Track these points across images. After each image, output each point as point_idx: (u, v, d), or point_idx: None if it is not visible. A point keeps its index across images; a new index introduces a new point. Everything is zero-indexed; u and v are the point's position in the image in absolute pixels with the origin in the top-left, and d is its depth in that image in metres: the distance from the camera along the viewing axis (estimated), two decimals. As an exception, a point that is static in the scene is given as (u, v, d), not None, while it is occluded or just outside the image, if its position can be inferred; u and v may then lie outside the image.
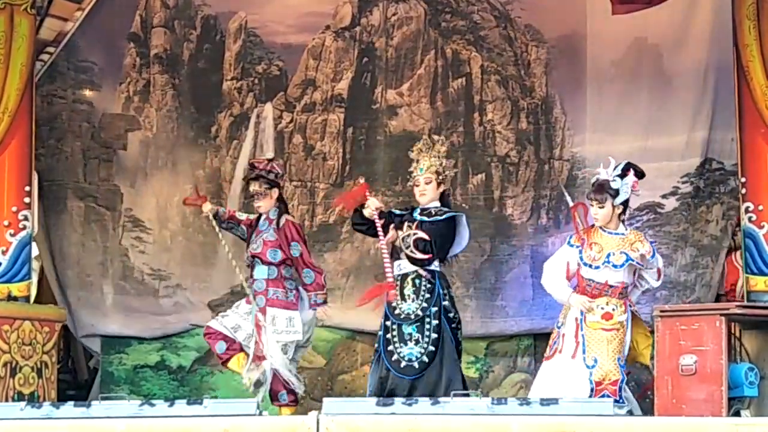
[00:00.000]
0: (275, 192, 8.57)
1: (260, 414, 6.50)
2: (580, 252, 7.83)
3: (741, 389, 7.34)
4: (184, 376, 10.02)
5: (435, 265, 8.08)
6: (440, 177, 8.23)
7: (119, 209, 10.32)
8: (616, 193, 7.82)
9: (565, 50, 9.96)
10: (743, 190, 8.28)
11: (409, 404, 6.48)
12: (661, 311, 7.46)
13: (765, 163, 8.20)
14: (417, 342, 7.96)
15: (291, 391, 8.43)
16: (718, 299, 9.29)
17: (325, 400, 6.59)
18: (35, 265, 9.55)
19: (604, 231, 7.86)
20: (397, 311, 8.05)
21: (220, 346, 8.41)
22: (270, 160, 8.69)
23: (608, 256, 7.74)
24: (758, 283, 8.15)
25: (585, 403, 6.64)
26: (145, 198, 10.35)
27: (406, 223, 8.16)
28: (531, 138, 10.09)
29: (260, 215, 8.57)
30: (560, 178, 9.94)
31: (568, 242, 7.96)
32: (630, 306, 7.79)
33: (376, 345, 8.25)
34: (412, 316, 7.98)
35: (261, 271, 8.42)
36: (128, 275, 10.27)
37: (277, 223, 8.47)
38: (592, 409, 6.38)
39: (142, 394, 9.97)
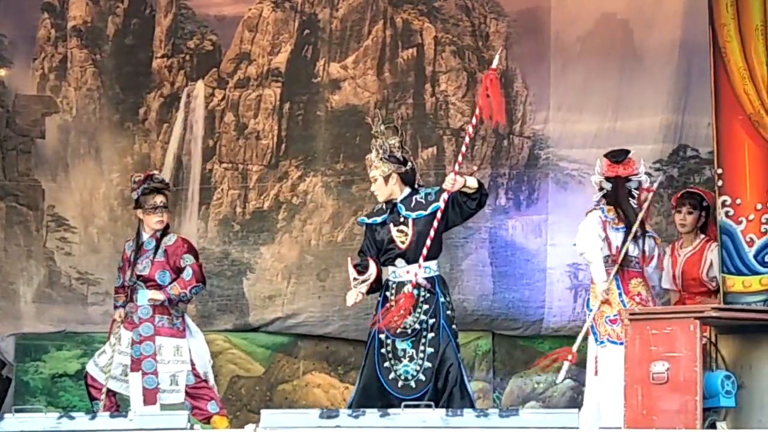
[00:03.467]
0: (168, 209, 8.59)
1: (191, 427, 6.49)
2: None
3: (717, 399, 7.36)
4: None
5: (434, 270, 7.95)
6: (387, 171, 8.05)
7: (41, 207, 10.31)
8: None
9: (527, 25, 10.06)
10: (719, 183, 8.28)
11: (356, 416, 6.49)
12: (631, 314, 7.47)
13: (743, 152, 8.21)
14: (411, 359, 7.84)
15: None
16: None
17: (263, 412, 6.58)
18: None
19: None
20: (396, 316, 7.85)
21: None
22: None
23: None
24: (735, 283, 8.19)
25: (548, 414, 6.64)
26: (67, 193, 10.33)
27: (392, 225, 7.99)
28: (487, 110, 10.18)
29: (138, 236, 8.51)
30: (520, 156, 10.00)
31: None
32: None
33: (365, 359, 8.03)
34: (409, 331, 7.84)
35: (145, 297, 8.37)
36: (54, 281, 10.26)
37: (160, 242, 8.42)
38: (556, 421, 6.40)
39: (61, 405, 9.95)
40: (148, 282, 8.34)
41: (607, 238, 8.30)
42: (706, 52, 8.51)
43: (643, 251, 8.32)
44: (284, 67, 10.33)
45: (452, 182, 7.78)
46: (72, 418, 6.51)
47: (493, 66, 7.79)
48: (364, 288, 8.03)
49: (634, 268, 8.34)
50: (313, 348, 10.12)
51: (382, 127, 8.03)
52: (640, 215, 8.29)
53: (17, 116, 10.30)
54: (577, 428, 6.43)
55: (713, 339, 7.59)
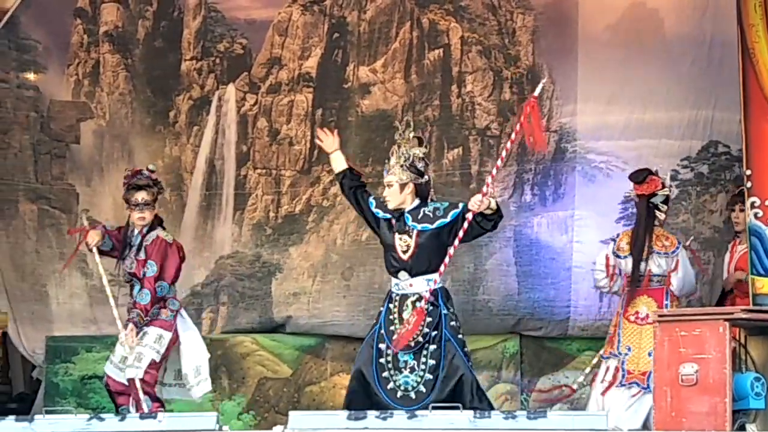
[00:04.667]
0: (155, 206, 8.58)
1: (220, 428, 6.52)
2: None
3: (746, 401, 7.34)
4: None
5: (438, 282, 7.84)
6: (405, 179, 7.92)
7: (75, 211, 10.37)
8: None
9: (555, 17, 10.04)
10: (748, 184, 8.23)
11: (384, 418, 6.51)
12: (660, 316, 7.47)
13: (773, 152, 8.19)
14: (412, 370, 7.76)
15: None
16: (722, 299, 9.33)
17: (291, 413, 6.62)
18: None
19: None
20: (395, 336, 7.78)
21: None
22: (153, 171, 8.64)
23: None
24: (765, 285, 8.12)
25: (576, 416, 6.62)
26: (101, 197, 10.39)
27: (396, 234, 7.92)
28: (514, 109, 10.15)
29: (128, 228, 8.55)
30: (548, 150, 9.95)
31: None
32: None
33: (357, 363, 7.96)
34: (412, 344, 7.75)
35: (144, 296, 8.39)
36: (87, 283, 10.29)
37: (144, 239, 8.46)
38: (584, 423, 6.41)
39: (91, 407, 9.97)
40: (136, 277, 8.39)
41: (616, 271, 8.61)
42: (735, 47, 8.52)
43: (649, 271, 8.49)
44: (315, 72, 10.38)
45: (479, 204, 7.67)
46: (102, 419, 6.56)
47: (535, 94, 7.68)
48: (333, 152, 8.06)
49: (647, 286, 8.54)
50: (340, 350, 10.12)
51: (411, 135, 7.97)
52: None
53: (52, 121, 10.38)
54: (606, 430, 6.42)
55: (743, 340, 7.58)
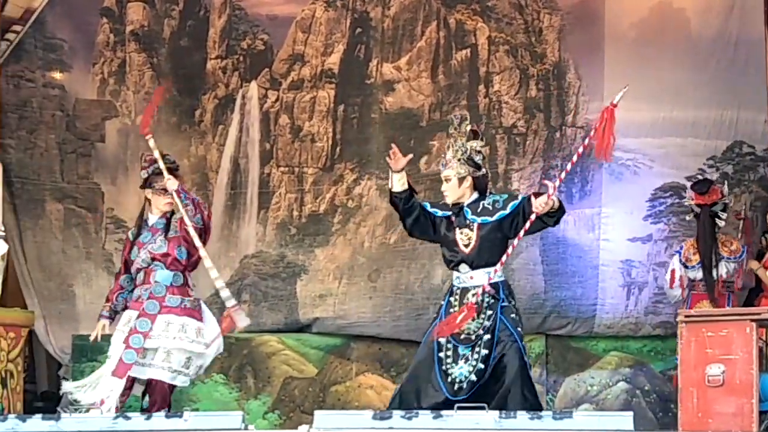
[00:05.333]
0: None
1: (246, 428, 6.54)
2: None
3: (773, 402, 7.39)
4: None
5: (499, 275, 7.86)
6: (463, 173, 7.92)
7: (101, 210, 10.43)
8: None
9: (581, 15, 10.08)
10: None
11: (409, 418, 6.53)
12: (686, 316, 7.50)
13: (797, 155, 8.21)
14: (466, 360, 7.78)
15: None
16: (749, 299, 9.32)
17: (317, 413, 6.64)
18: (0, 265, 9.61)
19: None
20: (439, 323, 7.80)
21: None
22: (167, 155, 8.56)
23: None
24: (793, 286, 8.19)
25: (602, 416, 6.61)
26: (126, 195, 10.42)
27: (457, 229, 7.92)
28: (540, 105, 10.19)
29: (142, 217, 8.36)
30: (573, 147, 9.96)
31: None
32: None
33: (414, 360, 7.99)
34: (472, 337, 7.76)
35: (165, 277, 8.21)
36: (113, 282, 10.23)
37: (170, 221, 8.28)
38: (610, 424, 6.42)
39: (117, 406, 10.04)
40: (168, 258, 8.18)
41: (684, 283, 8.94)
42: (762, 48, 8.54)
43: (719, 276, 8.75)
44: (337, 68, 10.39)
45: (543, 205, 7.65)
46: (128, 418, 6.59)
47: (615, 101, 7.58)
48: (402, 178, 7.91)
49: (704, 291, 8.86)
50: (365, 349, 10.16)
51: (467, 128, 7.91)
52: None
53: (77, 120, 10.43)
54: (632, 431, 6.42)
55: (770, 341, 7.62)
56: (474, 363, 7.74)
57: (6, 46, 9.93)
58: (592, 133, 7.60)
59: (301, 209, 10.40)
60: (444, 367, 7.80)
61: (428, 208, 8.02)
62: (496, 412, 6.56)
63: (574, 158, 7.70)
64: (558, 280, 9.91)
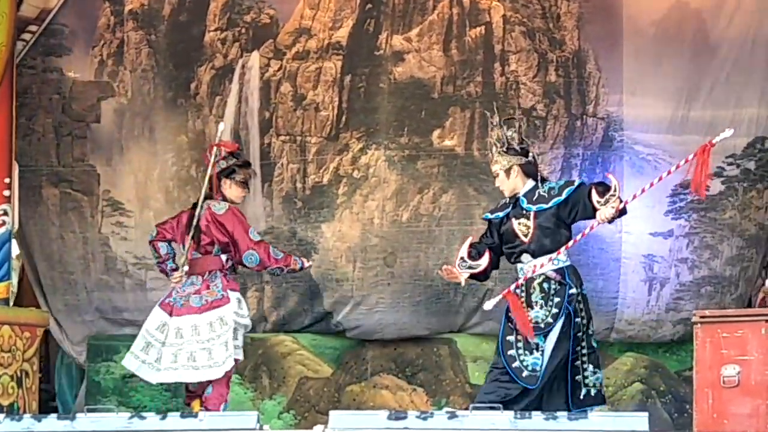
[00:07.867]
0: None
1: (261, 428, 6.64)
2: None
3: (788, 403, 7.46)
4: (177, 386, 9.58)
5: (564, 260, 7.94)
6: (507, 164, 8.04)
7: (96, 192, 10.40)
8: None
9: (600, 5, 10.11)
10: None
11: (424, 418, 6.62)
12: (701, 317, 7.57)
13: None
14: (538, 348, 7.82)
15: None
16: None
17: (332, 413, 6.73)
18: (15, 264, 9.65)
19: None
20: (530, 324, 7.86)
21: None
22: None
23: None
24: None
25: (617, 417, 6.71)
26: (122, 176, 10.41)
27: (514, 219, 7.99)
28: (561, 92, 10.20)
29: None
30: (594, 137, 10.02)
31: None
32: None
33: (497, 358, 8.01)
34: (542, 325, 7.82)
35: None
36: (111, 267, 10.36)
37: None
38: (625, 424, 6.52)
39: (132, 405, 10.13)
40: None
41: None
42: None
43: None
44: (345, 41, 10.27)
45: (610, 215, 7.78)
46: (143, 417, 6.68)
47: (715, 141, 7.61)
48: (466, 273, 8.03)
49: None
50: (380, 349, 10.19)
51: (499, 120, 8.02)
52: None
53: (73, 102, 10.39)
54: (647, 431, 6.53)
55: (785, 341, 7.69)
56: (543, 351, 7.80)
57: (22, 47, 9.96)
58: (682, 163, 7.67)
59: (305, 180, 10.31)
60: (511, 352, 7.83)
61: (488, 217, 8.16)
62: (511, 413, 6.66)
63: (655, 181, 7.78)
64: (579, 272, 9.93)
